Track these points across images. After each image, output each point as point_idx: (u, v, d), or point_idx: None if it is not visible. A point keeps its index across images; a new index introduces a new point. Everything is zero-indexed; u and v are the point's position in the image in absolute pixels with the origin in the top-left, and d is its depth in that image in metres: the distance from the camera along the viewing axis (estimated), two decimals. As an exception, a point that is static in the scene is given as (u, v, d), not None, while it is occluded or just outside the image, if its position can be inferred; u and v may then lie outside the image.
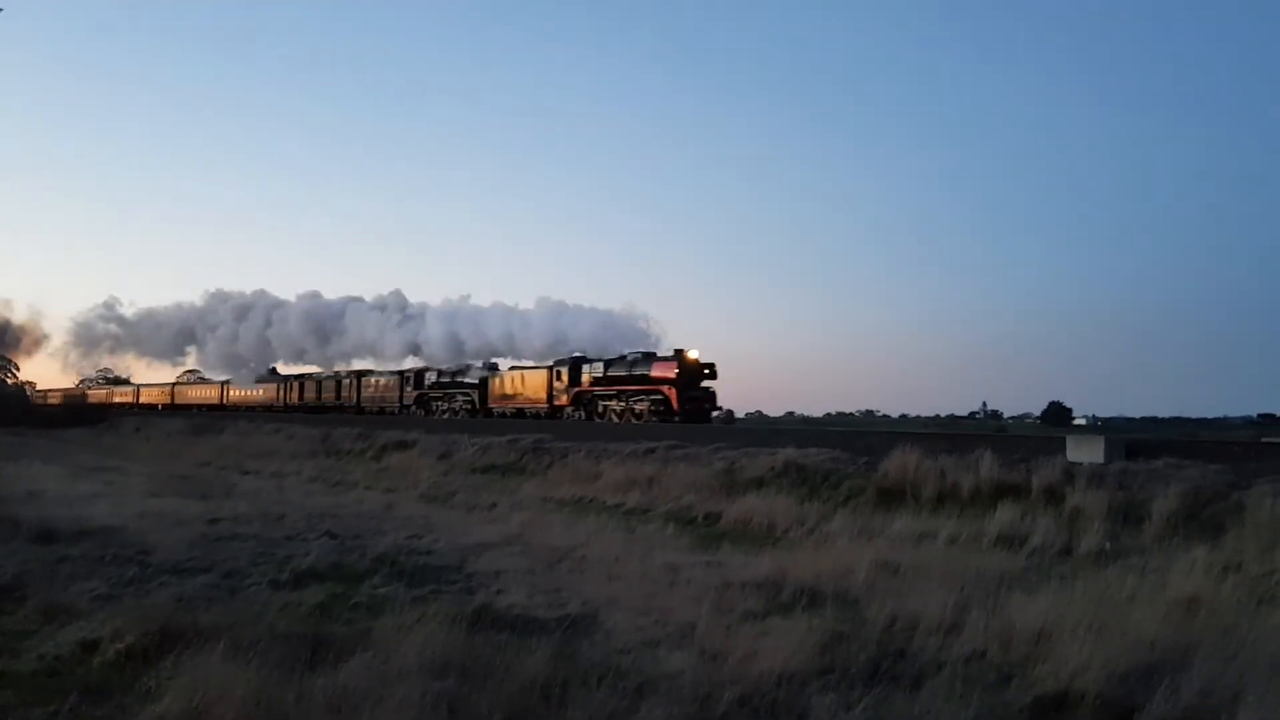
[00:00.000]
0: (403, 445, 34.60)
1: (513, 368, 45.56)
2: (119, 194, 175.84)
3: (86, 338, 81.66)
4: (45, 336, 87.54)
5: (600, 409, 37.88)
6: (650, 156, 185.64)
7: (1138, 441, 19.63)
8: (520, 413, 42.27)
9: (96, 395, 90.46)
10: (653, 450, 25.28)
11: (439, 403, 48.42)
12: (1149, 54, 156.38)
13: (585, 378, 38.88)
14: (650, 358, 36.78)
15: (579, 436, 29.94)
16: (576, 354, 40.94)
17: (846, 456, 21.04)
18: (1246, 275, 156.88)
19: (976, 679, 7.58)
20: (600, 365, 38.44)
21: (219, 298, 72.52)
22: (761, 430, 33.36)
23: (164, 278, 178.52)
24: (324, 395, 59.14)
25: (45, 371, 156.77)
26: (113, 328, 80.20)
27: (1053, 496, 16.48)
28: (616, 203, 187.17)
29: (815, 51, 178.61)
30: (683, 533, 16.91)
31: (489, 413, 44.53)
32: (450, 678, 7.07)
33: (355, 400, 55.27)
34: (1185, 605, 9.65)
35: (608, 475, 24.07)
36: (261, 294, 70.29)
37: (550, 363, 42.00)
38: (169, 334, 75.22)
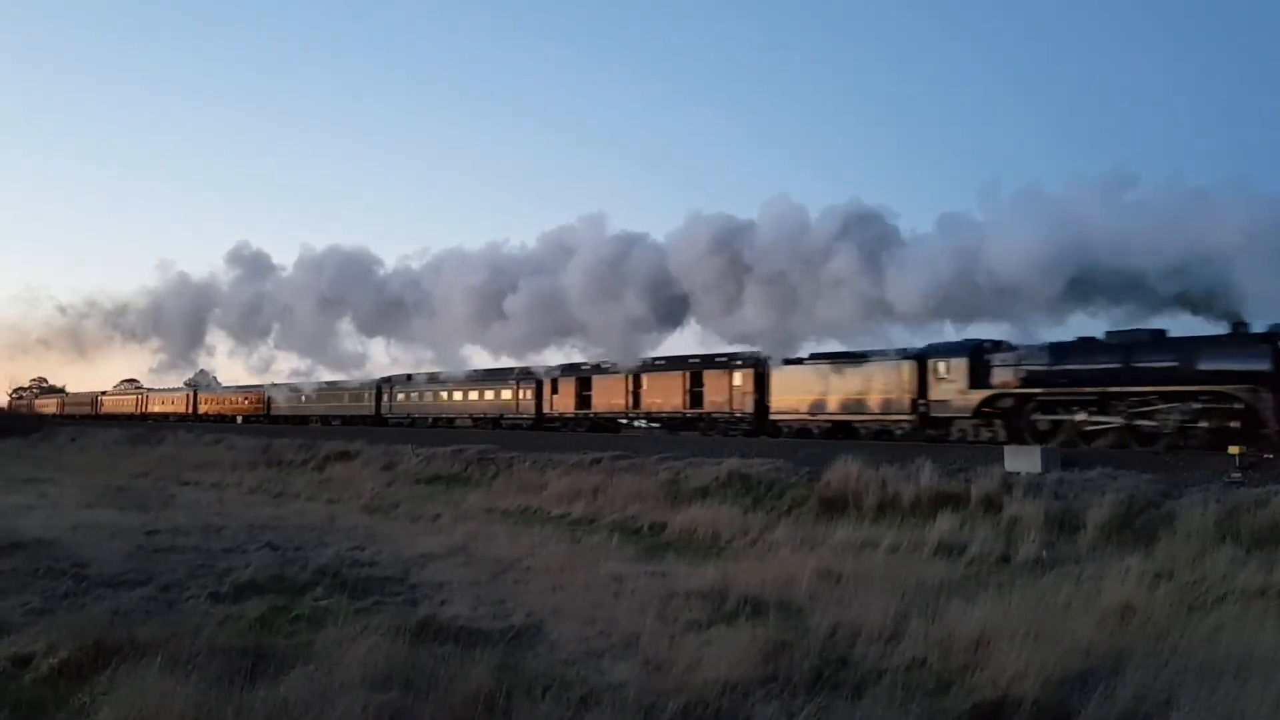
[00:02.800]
0: (345, 455, 34.15)
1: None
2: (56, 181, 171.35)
3: (18, 340, 74.81)
4: None
5: None
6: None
7: (1074, 452, 20.11)
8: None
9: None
10: (598, 460, 25.32)
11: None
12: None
13: None
14: None
15: (524, 446, 29.83)
16: None
17: (790, 466, 21.25)
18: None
19: (917, 687, 7.70)
20: None
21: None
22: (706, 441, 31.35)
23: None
24: (604, 400, 40.56)
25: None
26: (50, 322, 65.33)
27: (991, 506, 16.79)
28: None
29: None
30: (628, 543, 16.92)
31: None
32: (393, 690, 7.05)
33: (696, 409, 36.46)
34: (1119, 612, 9.89)
35: (553, 485, 23.99)
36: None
37: None
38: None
